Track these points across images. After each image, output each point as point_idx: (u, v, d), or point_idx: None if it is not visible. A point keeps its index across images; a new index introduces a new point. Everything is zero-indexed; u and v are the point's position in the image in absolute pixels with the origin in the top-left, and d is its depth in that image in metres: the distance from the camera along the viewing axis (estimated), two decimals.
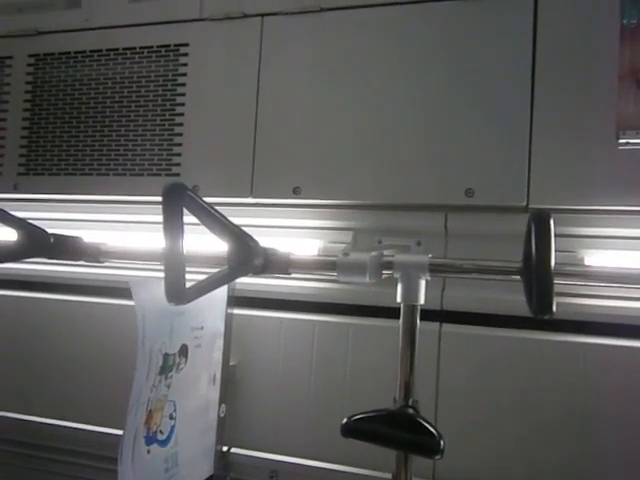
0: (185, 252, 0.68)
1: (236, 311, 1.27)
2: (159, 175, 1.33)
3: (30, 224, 0.88)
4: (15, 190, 1.44)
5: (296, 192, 1.23)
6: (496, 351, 1.13)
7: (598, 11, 1.08)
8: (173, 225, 0.62)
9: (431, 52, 1.17)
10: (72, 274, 1.42)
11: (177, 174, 1.32)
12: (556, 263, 0.68)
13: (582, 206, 1.08)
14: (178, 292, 0.60)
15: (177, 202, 0.61)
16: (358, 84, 1.21)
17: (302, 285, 1.26)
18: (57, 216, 1.44)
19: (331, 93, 1.22)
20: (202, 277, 0.74)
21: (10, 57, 1.47)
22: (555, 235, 0.69)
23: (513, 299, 0.92)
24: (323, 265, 0.84)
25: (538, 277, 0.62)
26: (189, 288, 0.63)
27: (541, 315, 0.63)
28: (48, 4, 1.43)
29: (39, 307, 1.44)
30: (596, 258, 1.09)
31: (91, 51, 1.40)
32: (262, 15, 1.27)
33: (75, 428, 1.36)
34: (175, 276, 0.61)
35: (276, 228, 1.30)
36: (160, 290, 0.65)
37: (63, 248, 0.88)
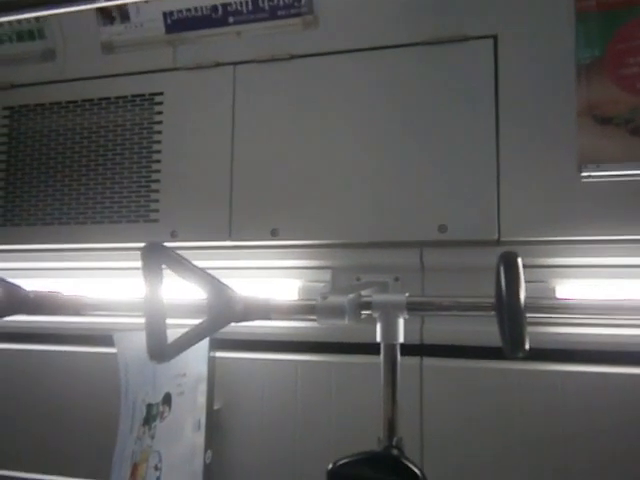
0: (165, 302, 0.69)
1: (218, 354, 1.27)
2: (137, 222, 1.34)
3: (8, 282, 0.88)
4: None
5: (274, 233, 1.25)
6: (478, 383, 1.15)
7: (554, 51, 1.14)
8: (153, 284, 0.63)
9: (400, 95, 1.21)
10: (50, 324, 1.40)
11: (155, 220, 1.33)
12: (528, 297, 0.71)
13: (550, 237, 1.12)
14: (160, 350, 0.61)
15: (156, 261, 0.63)
16: (330, 127, 1.24)
17: (282, 325, 1.27)
18: (36, 265, 1.44)
19: (304, 136, 1.26)
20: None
21: None
22: (526, 266, 0.72)
23: (491, 331, 0.94)
24: (302, 309, 0.86)
25: (510, 319, 0.64)
26: (171, 344, 0.64)
27: (514, 354, 0.66)
28: (22, 58, 1.46)
29: (17, 358, 1.42)
30: (567, 287, 1.13)
31: (67, 102, 1.42)
32: (234, 64, 1.31)
33: None
34: (156, 334, 0.62)
35: (255, 269, 1.31)
36: (142, 340, 0.66)
37: (43, 304, 0.88)
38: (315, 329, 1.24)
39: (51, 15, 1.42)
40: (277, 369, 1.26)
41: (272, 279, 1.30)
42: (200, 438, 1.18)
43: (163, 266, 0.67)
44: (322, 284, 1.26)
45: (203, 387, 1.20)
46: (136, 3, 1.36)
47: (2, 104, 1.47)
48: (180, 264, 0.68)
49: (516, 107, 1.14)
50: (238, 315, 0.78)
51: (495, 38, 1.17)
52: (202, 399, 1.19)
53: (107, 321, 1.30)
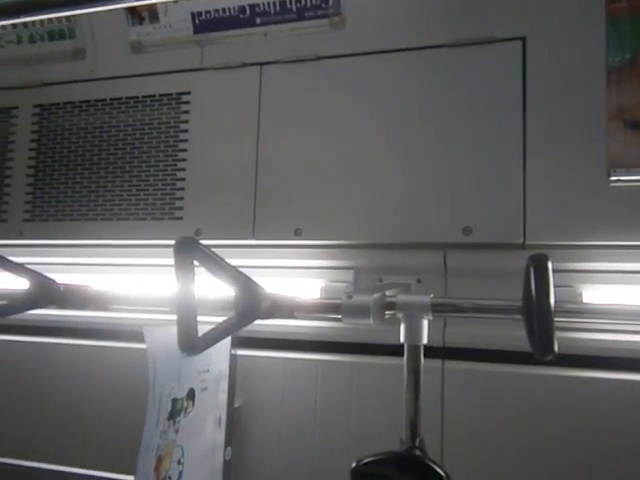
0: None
1: (239, 352, 1.28)
2: (162, 219, 1.36)
3: (41, 275, 0.90)
4: (20, 236, 1.46)
5: (297, 233, 1.26)
6: (499, 387, 1.14)
7: (584, 54, 1.13)
8: (185, 278, 0.64)
9: (426, 97, 1.21)
10: (78, 318, 1.43)
11: (180, 218, 1.35)
12: (556, 301, 0.71)
13: (577, 242, 1.11)
14: (191, 342, 0.62)
15: (188, 255, 0.64)
16: (355, 128, 1.25)
17: (304, 324, 1.28)
18: (62, 260, 1.46)
19: (329, 137, 1.26)
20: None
21: (16, 107, 1.52)
22: (553, 270, 0.71)
23: (515, 335, 0.93)
24: (327, 308, 0.86)
25: (539, 321, 0.64)
26: (201, 337, 0.65)
27: (544, 357, 0.65)
28: (53, 56, 1.49)
29: (46, 352, 1.44)
30: (594, 292, 1.11)
31: (95, 100, 1.44)
32: (261, 64, 1.32)
33: (83, 475, 1.35)
34: (188, 327, 0.62)
35: (278, 269, 1.32)
36: (171, 334, 0.67)
37: (73, 297, 0.90)
38: (337, 329, 1.25)
39: (81, 15, 1.44)
40: (298, 368, 1.27)
41: (295, 278, 1.31)
42: (221, 435, 1.19)
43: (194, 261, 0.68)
44: (345, 284, 1.26)
45: (224, 384, 1.20)
46: (165, 4, 1.38)
47: (33, 102, 1.50)
48: (210, 259, 0.69)
49: (544, 109, 1.13)
50: (265, 312, 0.79)
51: (524, 40, 1.16)
52: (223, 396, 1.20)
53: (134, 317, 1.32)
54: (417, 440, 0.83)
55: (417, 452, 0.80)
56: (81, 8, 1.36)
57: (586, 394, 1.08)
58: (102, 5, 1.26)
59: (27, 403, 1.44)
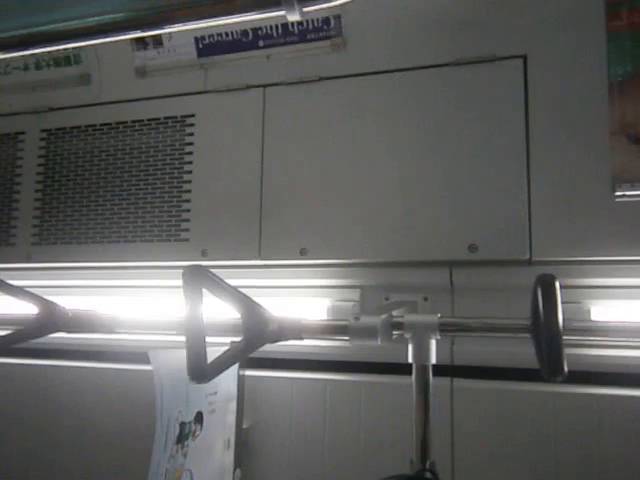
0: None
1: (247, 372, 1.28)
2: (169, 241, 1.36)
3: (49, 301, 0.90)
4: (29, 260, 1.47)
5: (303, 253, 1.26)
6: (509, 404, 1.13)
7: (586, 70, 1.14)
8: (194, 306, 0.64)
9: (429, 116, 1.22)
10: (84, 340, 1.43)
11: (186, 239, 1.35)
12: (564, 319, 0.70)
13: (583, 257, 1.11)
14: (201, 371, 0.62)
15: (197, 284, 0.64)
16: (359, 148, 1.25)
17: (312, 344, 1.27)
18: (70, 283, 1.47)
19: (333, 156, 1.27)
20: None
21: (23, 132, 1.54)
22: (560, 287, 0.71)
23: (522, 352, 0.93)
24: (335, 330, 0.86)
25: (548, 343, 0.63)
26: (210, 365, 0.65)
27: (553, 378, 0.65)
28: (59, 82, 1.50)
29: (52, 374, 1.44)
30: (602, 308, 1.11)
31: (101, 125, 1.46)
32: (264, 86, 1.34)
33: None
34: (197, 356, 0.63)
35: (284, 288, 1.32)
36: (177, 358, 0.67)
37: (81, 322, 0.90)
38: (344, 348, 1.25)
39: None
40: (306, 388, 1.27)
41: (301, 298, 1.31)
42: (230, 457, 1.18)
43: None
44: (351, 303, 1.26)
45: (233, 405, 1.20)
46: None
47: (40, 127, 1.52)
48: (218, 286, 0.69)
49: (547, 126, 1.14)
50: (273, 336, 0.79)
51: (525, 58, 1.17)
52: (232, 418, 1.20)
53: (140, 338, 1.32)
54: (428, 462, 0.82)
55: (428, 475, 0.79)
56: (88, 40, 1.38)
57: (597, 410, 1.08)
58: (109, 37, 1.27)
59: (33, 426, 1.44)
